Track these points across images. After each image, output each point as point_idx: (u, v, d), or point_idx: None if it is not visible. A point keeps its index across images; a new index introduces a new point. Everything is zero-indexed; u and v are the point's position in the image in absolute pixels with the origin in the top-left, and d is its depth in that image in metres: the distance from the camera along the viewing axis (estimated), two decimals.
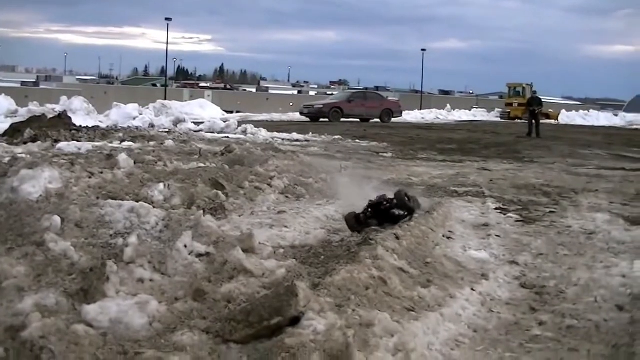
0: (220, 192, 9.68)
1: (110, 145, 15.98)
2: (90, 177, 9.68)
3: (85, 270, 5.11)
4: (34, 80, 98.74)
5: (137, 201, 6.90)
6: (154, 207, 6.70)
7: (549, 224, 9.51)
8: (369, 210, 7.96)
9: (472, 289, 6.02)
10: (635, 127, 51.01)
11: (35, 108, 27.75)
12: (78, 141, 16.39)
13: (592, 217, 9.98)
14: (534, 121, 32.42)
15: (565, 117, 57.50)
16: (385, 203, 8.03)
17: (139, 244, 5.52)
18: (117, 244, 5.58)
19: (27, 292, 4.67)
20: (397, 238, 6.77)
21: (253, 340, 4.38)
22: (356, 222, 7.79)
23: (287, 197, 10.73)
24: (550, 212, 10.55)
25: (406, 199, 8.35)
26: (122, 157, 11.09)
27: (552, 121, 52.47)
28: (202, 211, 7.04)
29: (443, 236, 7.99)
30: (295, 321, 4.48)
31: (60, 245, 5.35)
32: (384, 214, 7.94)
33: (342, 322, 4.49)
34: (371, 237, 6.75)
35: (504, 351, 4.84)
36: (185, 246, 5.60)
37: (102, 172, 10.06)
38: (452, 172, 15.91)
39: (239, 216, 8.99)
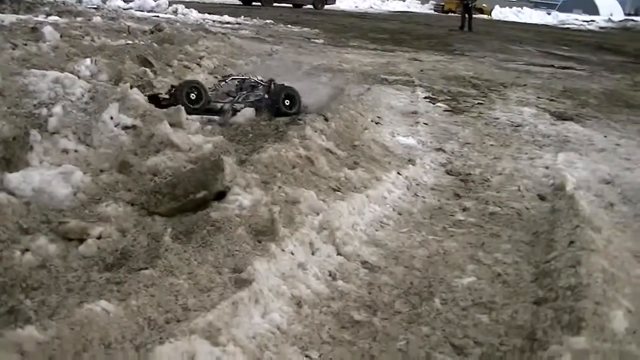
0: (148, 70, 9.47)
1: (35, 18, 15.43)
2: (13, 49, 9.38)
3: (7, 139, 4.94)
4: None
5: None
6: None
7: (476, 115, 9.59)
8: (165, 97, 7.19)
9: (399, 173, 6.04)
10: (566, 26, 51.24)
11: None
12: (1, 13, 15.78)
13: (520, 111, 10.11)
14: (467, 15, 32.35)
15: (499, 13, 57.44)
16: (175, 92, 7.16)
17: (63, 114, 5.36)
18: (41, 114, 5.39)
19: None
20: (326, 120, 6.73)
21: (178, 213, 4.36)
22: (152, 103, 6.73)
23: (215, 77, 10.58)
24: (479, 103, 10.63)
25: (285, 100, 7.51)
26: (48, 30, 10.77)
27: (485, 16, 52.49)
28: (128, 84, 6.86)
29: (372, 121, 7.97)
30: (220, 196, 4.46)
31: None
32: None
33: (267, 198, 4.49)
34: (300, 118, 6.69)
35: (428, 234, 4.90)
36: (112, 118, 5.47)
37: (26, 45, 9.76)
38: (382, 61, 15.84)
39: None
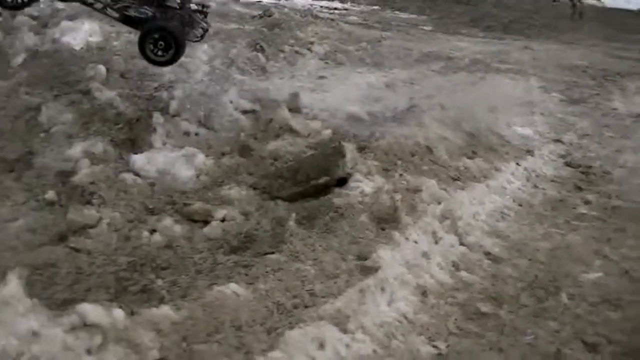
0: (260, 54, 9.54)
1: None
2: (130, 33, 9.58)
3: (131, 120, 5.09)
4: None
5: None
6: None
7: (594, 106, 9.34)
8: None
9: (517, 164, 5.94)
10: None
11: None
12: None
13: (639, 101, 9.77)
14: (577, 2, 31.56)
15: (610, 0, 55.99)
16: None
17: (184, 97, 5.46)
18: (162, 97, 5.53)
19: (75, 139, 4.67)
20: (442, 108, 6.64)
21: (300, 198, 4.37)
22: None
23: (327, 63, 10.57)
24: (595, 94, 10.31)
25: (158, 42, 5.36)
26: None
27: (597, 3, 51.19)
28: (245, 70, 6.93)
29: (487, 110, 7.83)
30: (342, 182, 4.45)
31: (105, 94, 5.31)
32: None
33: (389, 185, 4.46)
34: (415, 104, 6.60)
35: (550, 227, 4.81)
36: (231, 102, 5.54)
37: None
38: (494, 49, 15.52)
39: (280, 79, 8.88)
